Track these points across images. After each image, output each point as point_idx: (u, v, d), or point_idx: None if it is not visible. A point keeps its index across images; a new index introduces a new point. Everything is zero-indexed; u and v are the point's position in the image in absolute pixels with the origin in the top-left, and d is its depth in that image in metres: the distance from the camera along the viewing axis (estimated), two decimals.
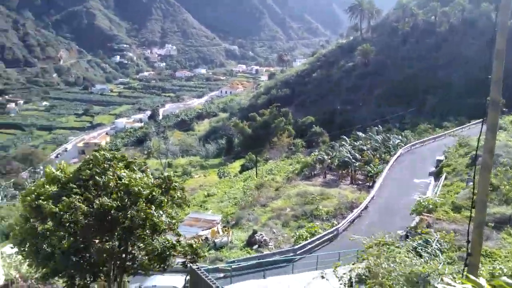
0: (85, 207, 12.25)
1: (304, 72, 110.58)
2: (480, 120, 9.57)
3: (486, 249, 17.21)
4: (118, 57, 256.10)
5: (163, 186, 14.04)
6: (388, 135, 55.12)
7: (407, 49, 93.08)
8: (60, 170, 13.59)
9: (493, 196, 23.56)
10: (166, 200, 13.80)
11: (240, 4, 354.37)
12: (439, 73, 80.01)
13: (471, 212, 9.70)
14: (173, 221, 14.24)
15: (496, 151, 30.03)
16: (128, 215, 12.45)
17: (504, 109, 55.80)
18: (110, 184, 12.84)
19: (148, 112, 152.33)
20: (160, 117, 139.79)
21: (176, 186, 14.58)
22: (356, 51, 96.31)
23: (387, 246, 14.46)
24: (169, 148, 78.45)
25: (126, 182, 12.80)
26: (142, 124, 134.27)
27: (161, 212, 13.28)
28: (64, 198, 12.28)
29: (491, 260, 16.34)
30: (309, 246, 25.35)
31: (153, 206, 12.91)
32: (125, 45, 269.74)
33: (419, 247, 17.91)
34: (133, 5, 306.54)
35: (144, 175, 14.20)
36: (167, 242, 13.57)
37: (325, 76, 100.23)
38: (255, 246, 27.17)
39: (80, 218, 12.05)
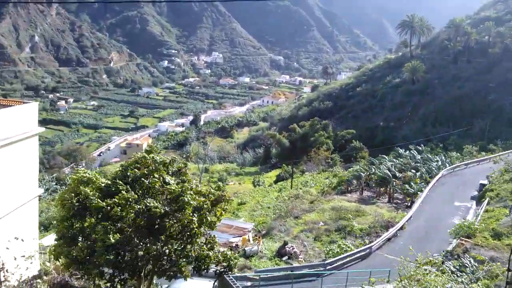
0: (137, 206, 12.32)
1: (349, 86, 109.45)
2: None
3: None
4: (166, 62, 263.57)
5: (213, 198, 13.94)
6: (430, 155, 53.35)
7: (458, 69, 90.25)
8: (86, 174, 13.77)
9: None
10: (211, 213, 13.80)
11: (289, 16, 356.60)
12: (490, 96, 76.63)
13: None
14: (210, 230, 14.26)
15: None
16: (173, 222, 12.50)
17: None
18: (156, 187, 12.89)
19: (190, 117, 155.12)
20: (202, 122, 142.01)
21: (226, 205, 14.50)
22: (404, 68, 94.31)
23: (424, 269, 13.91)
24: (207, 153, 79.38)
25: (174, 188, 12.82)
26: (184, 128, 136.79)
27: (201, 223, 13.27)
28: (123, 192, 12.32)
29: None
30: (340, 262, 24.75)
31: (195, 215, 12.90)
32: (173, 51, 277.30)
33: (456, 272, 17.15)
34: (185, 12, 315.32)
35: (187, 181, 14.16)
36: (203, 251, 13.56)
37: (370, 91, 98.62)
38: (285, 258, 26.88)
39: (132, 215, 12.12)
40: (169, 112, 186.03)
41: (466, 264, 17.58)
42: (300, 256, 27.11)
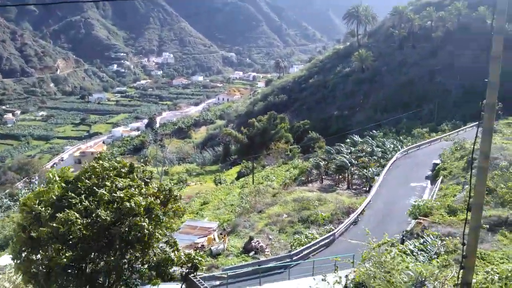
0: (82, 220, 11.96)
1: (301, 78, 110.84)
2: (476, 123, 9.53)
3: (482, 251, 17.00)
4: (115, 66, 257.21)
5: (162, 198, 13.79)
6: (384, 139, 55.00)
7: (404, 55, 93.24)
8: (61, 178, 13.35)
9: (489, 198, 23.39)
10: (164, 211, 13.59)
11: (237, 12, 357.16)
12: (436, 78, 79.79)
13: (466, 215, 9.54)
14: (170, 232, 14.04)
15: (493, 154, 29.91)
16: (125, 229, 12.23)
17: (499, 112, 55.86)
18: (105, 198, 12.57)
19: (145, 121, 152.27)
20: (157, 125, 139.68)
21: (176, 196, 14.39)
22: (353, 57, 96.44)
23: (385, 249, 14.30)
24: (166, 155, 78.14)
25: (122, 195, 12.54)
26: (139, 132, 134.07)
27: (156, 225, 13.02)
28: (65, 212, 11.95)
29: (486, 263, 16.14)
30: (306, 252, 25.12)
31: (147, 220, 12.65)
32: (122, 54, 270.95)
33: (416, 250, 17.78)
34: (131, 14, 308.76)
35: (144, 185, 13.92)
36: (164, 254, 13.33)
37: (322, 82, 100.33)
38: (252, 253, 26.94)
39: (77, 231, 11.75)
40: (123, 116, 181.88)
41: (425, 242, 18.27)
42: (266, 250, 27.25)
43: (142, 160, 70.82)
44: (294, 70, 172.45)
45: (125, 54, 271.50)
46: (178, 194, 14.49)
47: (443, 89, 76.40)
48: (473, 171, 9.95)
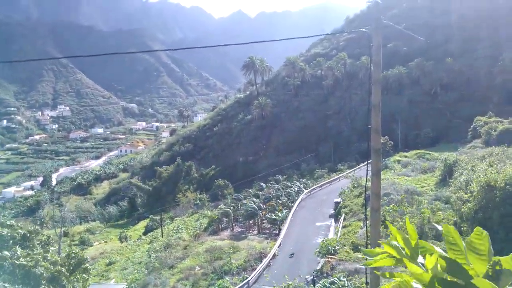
0: None
1: (206, 126, 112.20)
2: (366, 163, 10.49)
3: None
4: (5, 121, 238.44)
5: (71, 264, 12.89)
6: (288, 182, 57.07)
7: (299, 102, 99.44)
8: None
9: (388, 232, 25.15)
10: (71, 278, 12.69)
11: (137, 63, 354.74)
12: (329, 122, 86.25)
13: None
14: None
15: (387, 190, 32.50)
16: None
17: (390, 151, 61.45)
18: (5, 264, 11.47)
19: (40, 178, 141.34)
20: (54, 182, 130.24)
21: (86, 267, 13.55)
22: (253, 105, 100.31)
23: None
24: (64, 215, 72.50)
25: (25, 263, 11.52)
26: (34, 192, 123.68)
27: None
28: None
29: None
30: None
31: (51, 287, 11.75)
32: (12, 108, 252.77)
33: None
34: (22, 67, 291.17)
35: (45, 251, 12.94)
36: None
37: (226, 130, 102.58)
38: None
39: None
40: (14, 175, 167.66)
41: (335, 282, 19.05)
42: None
43: (38, 223, 64.97)
44: (198, 119, 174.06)
45: (16, 109, 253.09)
46: (87, 264, 13.69)
47: (336, 131, 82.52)
48: (368, 208, 10.82)
